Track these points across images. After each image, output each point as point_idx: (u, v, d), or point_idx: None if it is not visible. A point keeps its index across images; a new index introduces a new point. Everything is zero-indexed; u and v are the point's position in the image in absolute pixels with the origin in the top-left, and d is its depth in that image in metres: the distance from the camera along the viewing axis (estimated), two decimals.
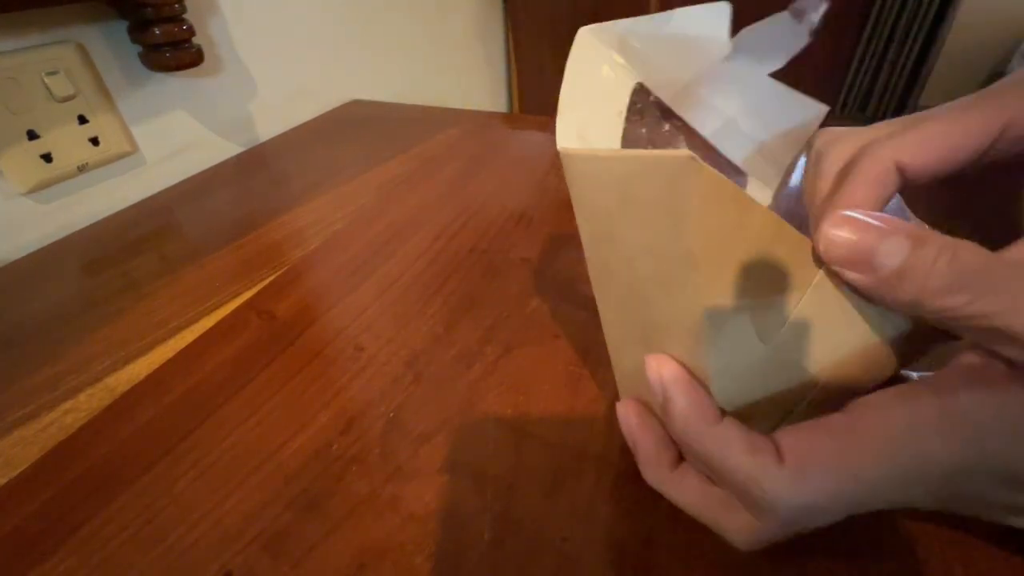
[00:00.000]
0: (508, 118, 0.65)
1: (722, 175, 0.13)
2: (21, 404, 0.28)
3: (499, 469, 0.22)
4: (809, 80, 0.28)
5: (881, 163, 0.16)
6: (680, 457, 0.18)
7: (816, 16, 0.26)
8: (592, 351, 0.27)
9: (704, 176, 0.13)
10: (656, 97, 0.28)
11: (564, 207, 0.41)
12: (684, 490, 0.18)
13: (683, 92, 0.28)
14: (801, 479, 0.13)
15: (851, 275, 0.14)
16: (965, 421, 0.13)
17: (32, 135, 0.42)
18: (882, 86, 1.03)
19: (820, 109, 0.27)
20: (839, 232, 0.14)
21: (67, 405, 0.27)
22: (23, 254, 0.42)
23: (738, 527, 0.16)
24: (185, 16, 0.46)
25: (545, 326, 0.29)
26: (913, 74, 1.01)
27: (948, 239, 0.13)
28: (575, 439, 0.23)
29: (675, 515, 0.20)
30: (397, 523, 0.20)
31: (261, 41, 0.59)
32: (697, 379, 0.15)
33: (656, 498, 0.20)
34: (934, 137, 0.16)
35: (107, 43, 0.45)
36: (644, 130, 0.27)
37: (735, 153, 0.28)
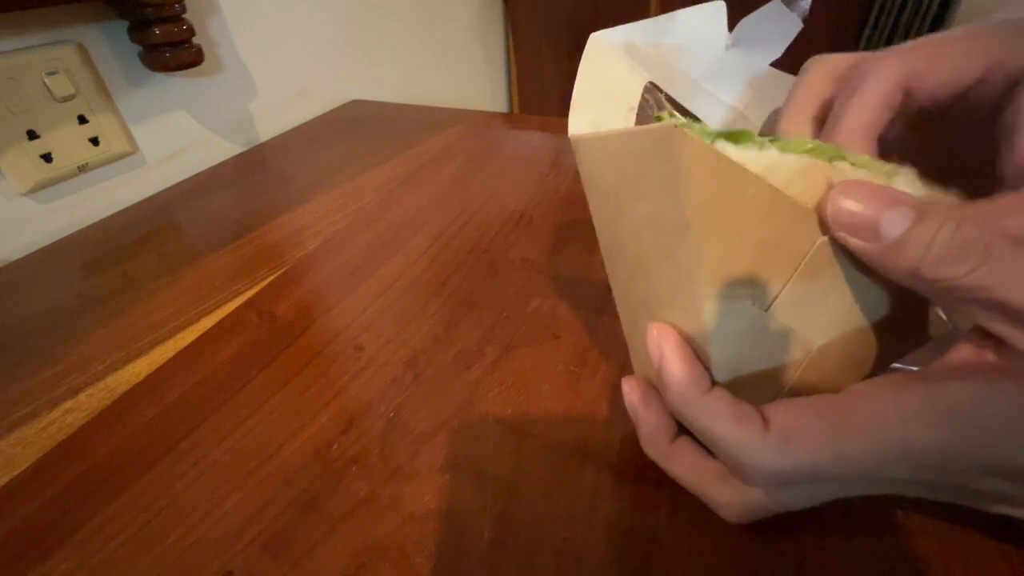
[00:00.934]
0: (508, 118, 0.65)
1: (710, 145, 0.14)
2: (21, 404, 0.28)
3: (499, 469, 0.22)
4: None
5: (888, 81, 0.16)
6: (679, 432, 0.19)
7: (806, 3, 0.26)
8: (592, 351, 0.27)
9: (690, 144, 0.13)
10: (667, 93, 0.28)
11: (564, 207, 0.41)
12: (680, 462, 0.18)
13: (691, 88, 0.29)
14: (783, 448, 0.14)
15: (856, 242, 0.14)
16: (952, 411, 0.13)
17: (32, 135, 0.42)
18: None
19: None
20: (846, 199, 0.14)
21: (67, 405, 0.27)
22: (23, 254, 0.42)
23: (727, 499, 0.17)
24: (185, 16, 0.46)
25: (545, 326, 0.29)
26: None
27: (953, 210, 0.13)
28: (575, 439, 0.23)
29: (675, 514, 0.20)
30: (397, 523, 0.20)
31: (261, 41, 0.59)
32: (696, 348, 0.16)
33: (656, 497, 0.20)
34: (942, 57, 0.16)
35: (107, 43, 0.45)
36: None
37: None
